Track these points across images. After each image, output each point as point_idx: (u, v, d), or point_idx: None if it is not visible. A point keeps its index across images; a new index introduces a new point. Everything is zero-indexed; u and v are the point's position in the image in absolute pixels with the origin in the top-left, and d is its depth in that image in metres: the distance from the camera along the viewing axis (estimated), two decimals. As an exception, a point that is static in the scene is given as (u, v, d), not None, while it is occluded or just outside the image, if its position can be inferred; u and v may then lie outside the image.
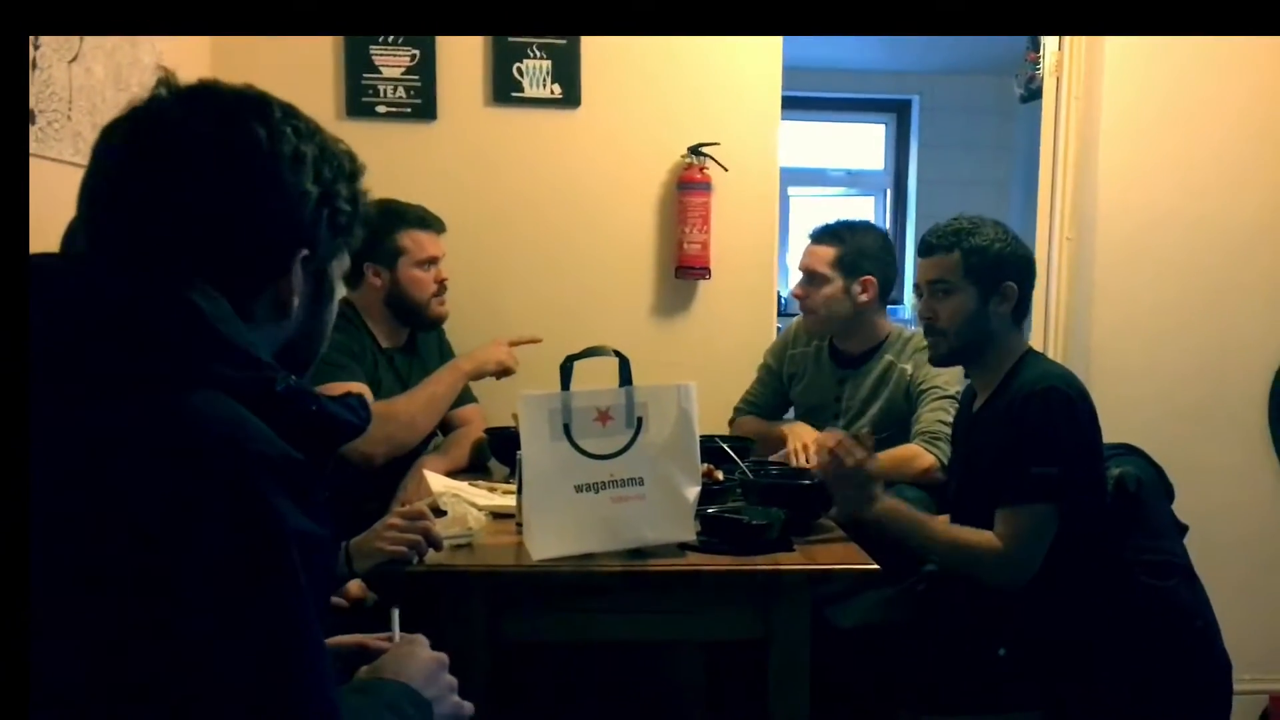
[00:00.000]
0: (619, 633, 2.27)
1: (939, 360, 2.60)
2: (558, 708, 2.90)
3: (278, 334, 1.21)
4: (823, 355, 3.30)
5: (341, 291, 1.31)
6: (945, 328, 2.49)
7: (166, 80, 1.16)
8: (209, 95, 1.16)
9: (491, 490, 2.68)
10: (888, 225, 6.23)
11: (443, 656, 1.39)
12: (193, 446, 0.97)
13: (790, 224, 6.30)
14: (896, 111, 6.24)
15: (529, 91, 3.60)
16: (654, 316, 3.68)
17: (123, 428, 0.96)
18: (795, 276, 3.28)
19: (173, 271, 1.08)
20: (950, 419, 2.84)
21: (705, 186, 3.55)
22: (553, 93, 3.60)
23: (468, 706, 1.39)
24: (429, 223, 3.14)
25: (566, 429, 2.19)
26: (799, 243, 5.92)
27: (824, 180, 6.34)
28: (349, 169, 1.24)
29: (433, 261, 3.12)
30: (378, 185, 3.03)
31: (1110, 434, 2.54)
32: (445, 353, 3.35)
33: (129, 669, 0.93)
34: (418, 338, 3.24)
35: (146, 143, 1.12)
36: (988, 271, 2.45)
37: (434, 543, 2.13)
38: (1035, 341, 3.71)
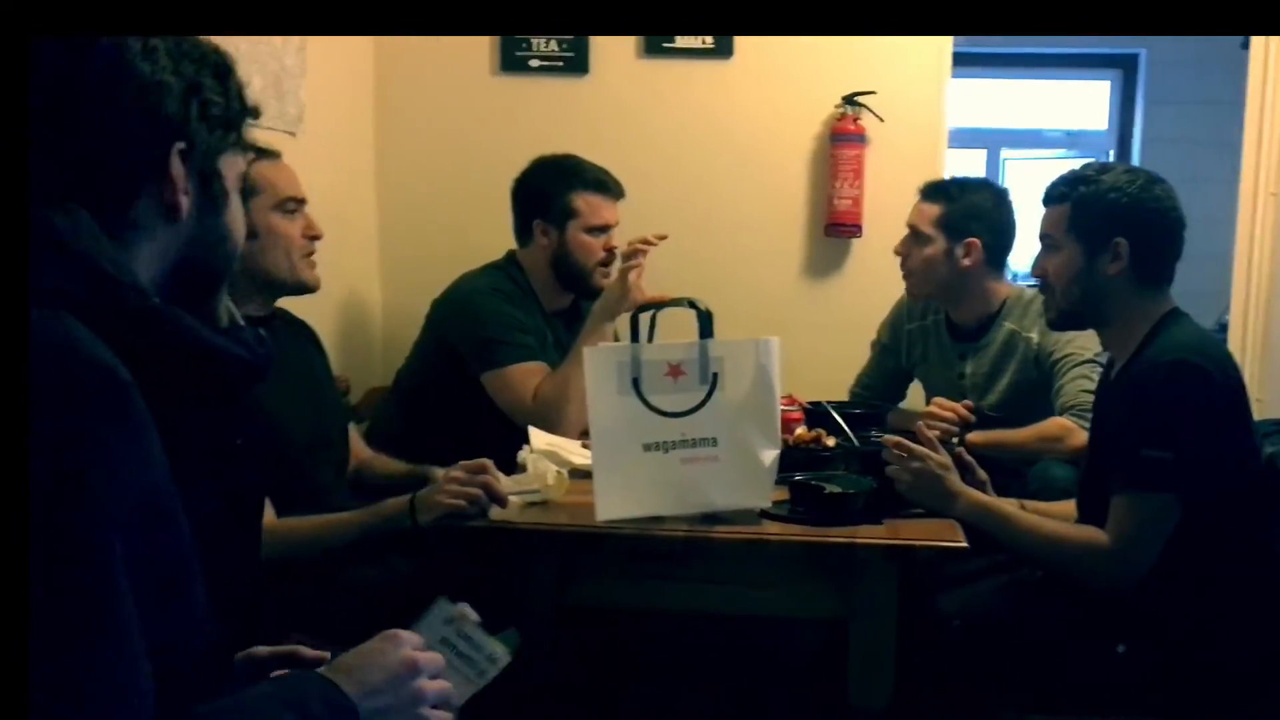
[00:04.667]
0: (685, 603, 2.14)
1: (1051, 324, 2.36)
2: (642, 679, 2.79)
3: (172, 241, 1.13)
4: (940, 330, 3.04)
5: (236, 204, 1.21)
6: (1053, 285, 2.25)
7: None
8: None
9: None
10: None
11: (420, 659, 1.17)
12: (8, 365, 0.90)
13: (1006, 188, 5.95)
14: (1122, 67, 5.79)
15: (681, 42, 3.49)
16: (803, 276, 3.53)
17: None
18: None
19: (41, 190, 1.01)
20: (1094, 387, 2.56)
21: (859, 139, 3.35)
22: (704, 42, 3.48)
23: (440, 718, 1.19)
24: (606, 186, 3.01)
25: (635, 383, 2.06)
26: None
27: (1041, 141, 5.96)
28: (214, 60, 1.16)
29: (604, 228, 2.99)
30: (530, 142, 3.11)
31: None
32: None
33: None
34: (580, 304, 3.14)
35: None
36: (1095, 226, 2.18)
37: (496, 498, 2.04)
38: (1234, 310, 3.38)
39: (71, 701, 0.88)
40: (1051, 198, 2.25)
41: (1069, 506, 2.30)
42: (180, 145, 1.11)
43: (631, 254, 2.78)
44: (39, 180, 1.02)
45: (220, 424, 1.27)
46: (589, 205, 2.97)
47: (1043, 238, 2.27)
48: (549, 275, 3.02)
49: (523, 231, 3.04)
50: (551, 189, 2.98)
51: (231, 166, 1.19)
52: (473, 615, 1.31)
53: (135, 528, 0.94)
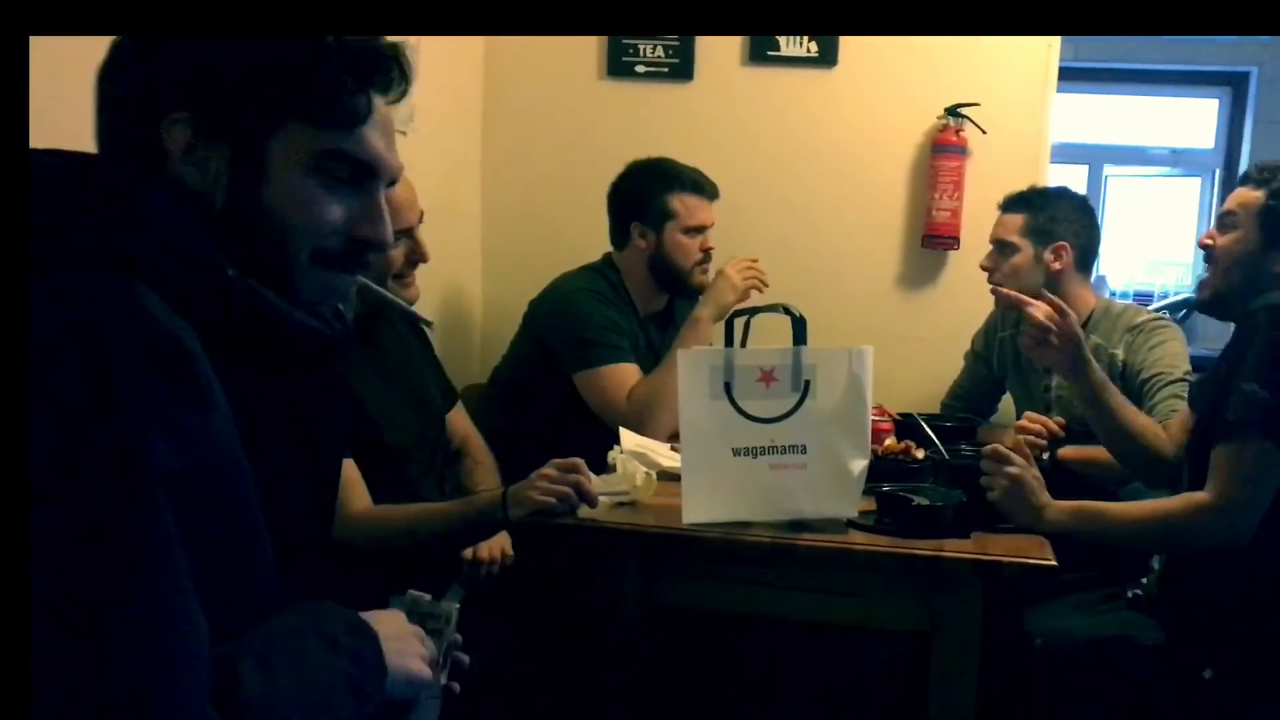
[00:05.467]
0: (770, 608, 2.15)
1: (1201, 304, 2.31)
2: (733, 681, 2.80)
3: (204, 215, 1.10)
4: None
5: (288, 179, 1.14)
6: (1218, 260, 2.22)
7: None
8: None
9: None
10: (1213, 209, 5.69)
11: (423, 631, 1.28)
12: (66, 323, 0.93)
13: (1107, 205, 5.87)
14: (1232, 85, 5.67)
15: (785, 50, 3.51)
16: (898, 286, 3.52)
17: (33, 308, 0.93)
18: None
19: (130, 161, 1.07)
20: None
21: (960, 150, 3.34)
22: (809, 51, 3.49)
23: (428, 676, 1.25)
24: (702, 187, 3.06)
25: (727, 388, 2.08)
26: (1115, 226, 5.54)
27: (1144, 159, 5.85)
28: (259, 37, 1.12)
29: (701, 229, 3.04)
30: (634, 146, 3.15)
31: None
32: None
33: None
34: (675, 305, 3.18)
35: None
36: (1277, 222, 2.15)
37: (586, 497, 2.07)
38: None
39: (116, 658, 0.89)
40: (1249, 178, 2.22)
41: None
42: (177, 115, 1.09)
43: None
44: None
45: (297, 396, 1.29)
46: (686, 206, 3.01)
47: (1225, 214, 2.24)
48: (645, 277, 3.05)
49: (619, 234, 3.08)
50: (648, 192, 3.02)
51: (293, 144, 1.13)
52: (424, 596, 1.39)
53: (195, 490, 0.95)
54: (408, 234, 2.20)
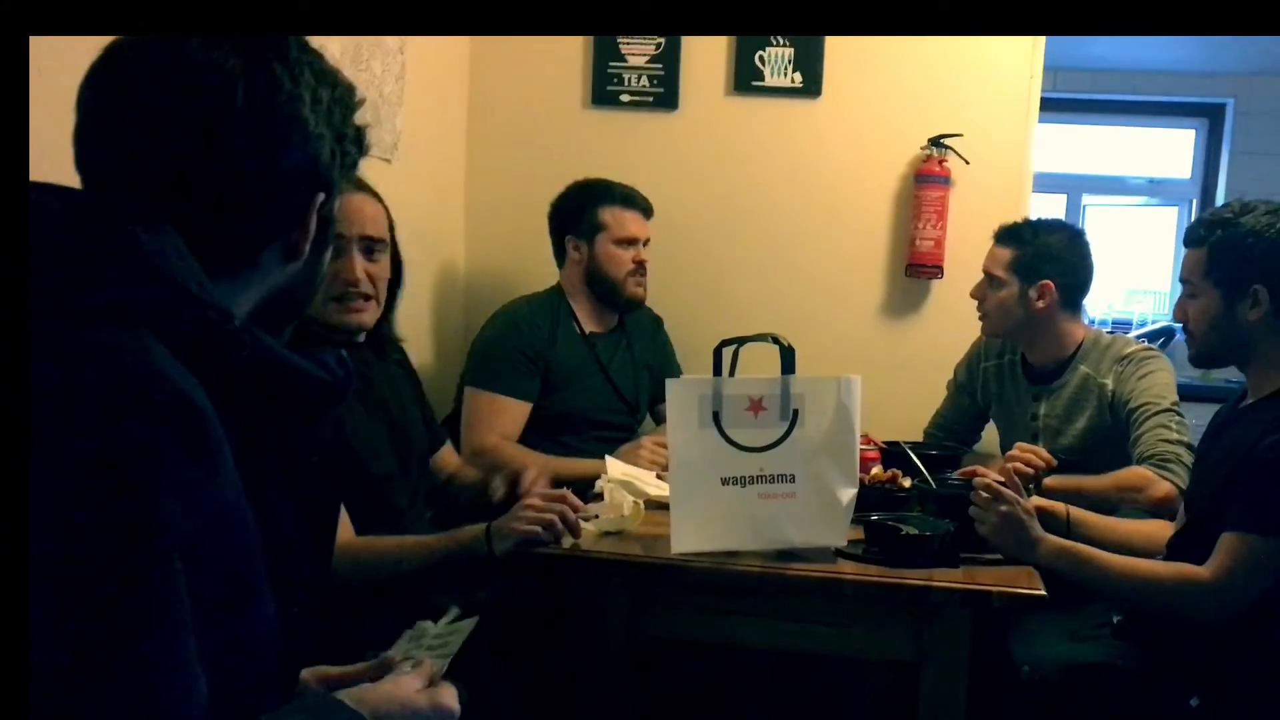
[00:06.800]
0: (758, 639, 2.15)
1: (1192, 361, 2.31)
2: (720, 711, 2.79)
3: (279, 278, 1.15)
4: (1016, 370, 3.04)
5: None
6: (1192, 331, 2.22)
7: None
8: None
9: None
10: (1191, 239, 5.74)
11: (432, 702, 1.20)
12: (78, 379, 0.91)
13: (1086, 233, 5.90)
14: (1208, 116, 5.73)
15: (770, 80, 3.52)
16: (883, 315, 3.54)
17: (40, 359, 0.91)
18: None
19: (135, 208, 1.02)
20: (1178, 435, 2.54)
21: (943, 180, 3.36)
22: (794, 81, 3.50)
23: None
24: (633, 201, 3.13)
25: (716, 417, 2.08)
26: (1093, 255, 5.58)
27: (1123, 189, 5.89)
28: (352, 104, 1.17)
29: (632, 241, 3.10)
30: (618, 173, 3.16)
31: None
32: (661, 340, 3.32)
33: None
34: (626, 320, 3.22)
35: (155, 74, 1.06)
36: (1233, 272, 2.13)
37: (571, 526, 2.06)
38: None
39: (120, 710, 0.88)
40: (1190, 240, 2.21)
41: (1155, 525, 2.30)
42: (322, 196, 1.14)
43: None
44: (153, 194, 1.04)
45: (298, 442, 1.28)
46: (616, 218, 3.09)
47: (1182, 282, 2.24)
48: (585, 292, 3.13)
49: (559, 251, 3.17)
50: (579, 206, 3.12)
51: (337, 206, 1.21)
52: (430, 628, 1.40)
53: (201, 550, 0.94)
54: (351, 244, 2.16)
